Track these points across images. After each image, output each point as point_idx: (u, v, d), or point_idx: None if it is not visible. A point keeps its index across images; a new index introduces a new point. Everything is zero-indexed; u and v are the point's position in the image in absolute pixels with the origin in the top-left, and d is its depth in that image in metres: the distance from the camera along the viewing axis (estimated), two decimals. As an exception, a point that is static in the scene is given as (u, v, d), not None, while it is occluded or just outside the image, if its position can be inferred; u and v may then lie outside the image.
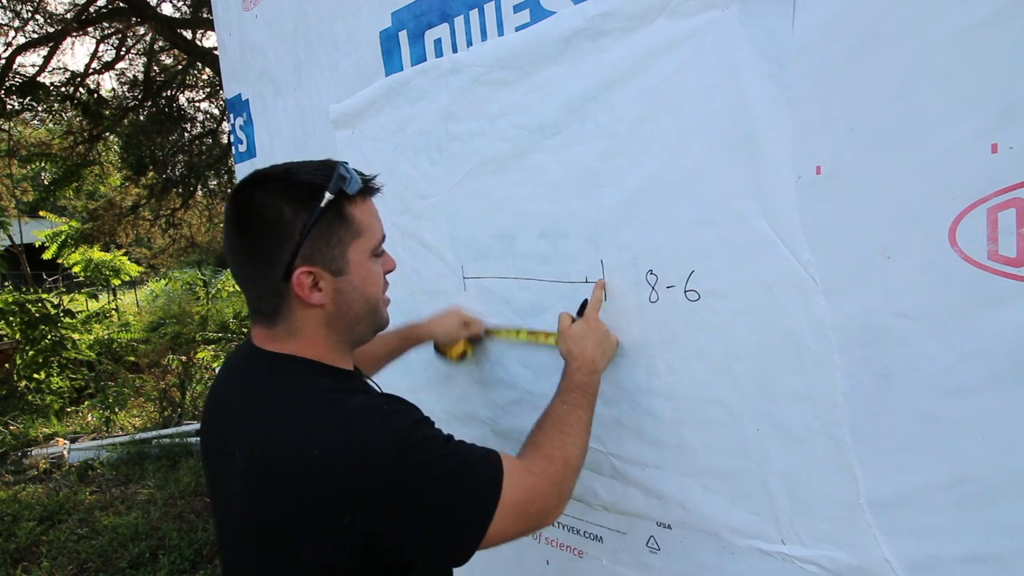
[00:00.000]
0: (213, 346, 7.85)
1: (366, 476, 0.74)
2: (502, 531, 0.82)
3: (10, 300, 7.01)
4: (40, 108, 7.29)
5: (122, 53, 7.55)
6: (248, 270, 0.86)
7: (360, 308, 0.88)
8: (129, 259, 10.46)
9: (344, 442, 0.76)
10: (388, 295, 0.95)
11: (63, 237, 9.66)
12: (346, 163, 0.86)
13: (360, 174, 0.87)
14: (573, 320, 1.15)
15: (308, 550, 0.77)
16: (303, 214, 0.80)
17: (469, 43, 1.27)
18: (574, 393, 1.04)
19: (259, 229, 0.83)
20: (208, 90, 8.04)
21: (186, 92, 8.12)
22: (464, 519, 0.80)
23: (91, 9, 6.38)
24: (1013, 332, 0.73)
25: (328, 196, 0.80)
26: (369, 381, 0.99)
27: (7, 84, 6.48)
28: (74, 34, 6.60)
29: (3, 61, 6.28)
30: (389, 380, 1.25)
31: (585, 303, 1.16)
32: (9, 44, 6.39)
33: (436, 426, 0.85)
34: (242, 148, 2.14)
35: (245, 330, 8.49)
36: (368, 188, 0.88)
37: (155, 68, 7.84)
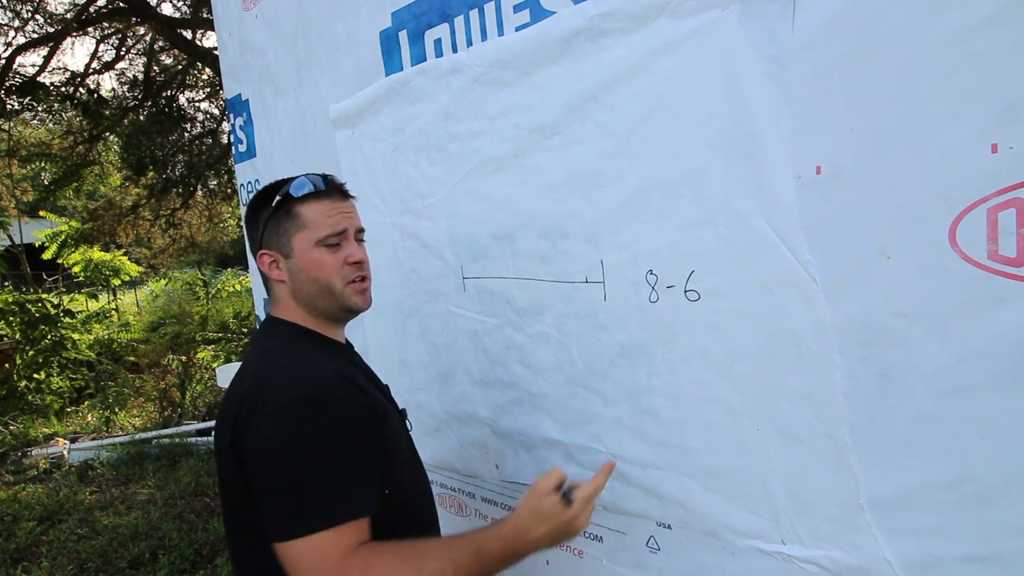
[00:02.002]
0: (213, 346, 7.85)
1: (255, 411, 0.91)
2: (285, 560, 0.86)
3: (10, 300, 7.01)
4: (40, 108, 7.29)
5: (122, 53, 7.54)
6: (250, 254, 1.16)
7: (311, 287, 1.05)
8: (129, 259, 10.46)
9: (261, 381, 0.95)
10: (360, 281, 1.08)
11: (63, 237, 9.66)
12: (313, 174, 1.07)
13: (324, 180, 1.06)
14: (557, 493, 0.93)
15: (234, 457, 0.95)
16: (264, 212, 1.07)
17: (469, 43, 1.27)
18: (468, 551, 0.88)
19: (247, 224, 1.14)
20: (208, 90, 8.04)
21: (186, 92, 8.12)
22: (274, 510, 0.88)
23: (91, 9, 6.38)
24: (1013, 332, 0.73)
25: (277, 198, 1.05)
26: (356, 359, 1.16)
27: (7, 84, 6.48)
28: (74, 34, 6.60)
29: (3, 61, 6.28)
30: (390, 380, 1.25)
31: (571, 489, 0.93)
32: (9, 44, 6.39)
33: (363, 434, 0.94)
34: (242, 148, 2.14)
35: (245, 330, 8.49)
36: (316, 192, 1.05)
37: (155, 68, 7.84)
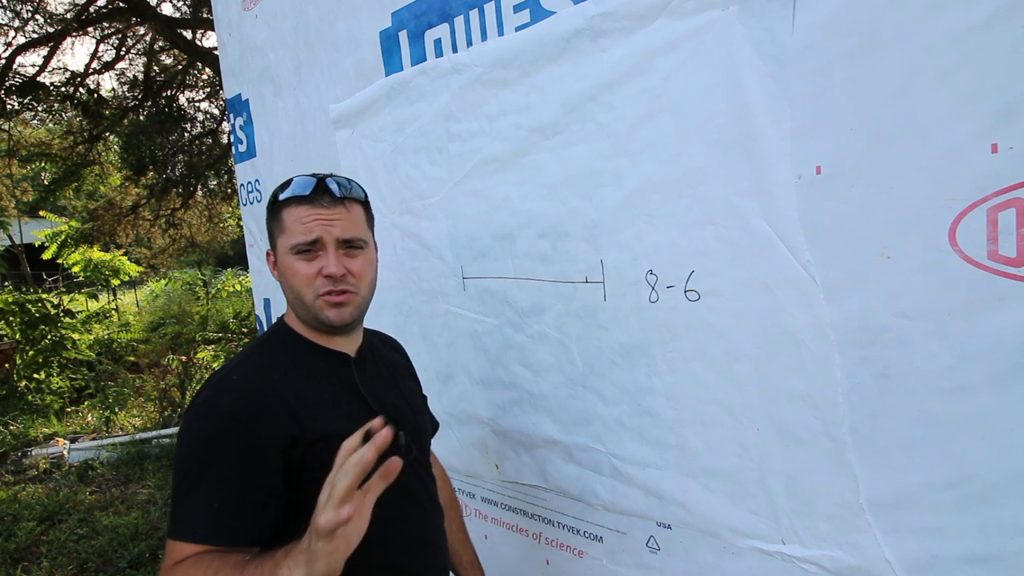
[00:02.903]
0: (213, 346, 7.85)
1: (191, 403, 0.97)
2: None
3: (10, 300, 7.01)
4: (40, 108, 7.29)
5: (122, 53, 7.54)
6: None
7: (288, 292, 1.04)
8: (129, 259, 10.47)
9: (208, 379, 1.01)
10: (338, 294, 1.01)
11: (63, 237, 9.66)
12: (309, 176, 1.02)
13: (311, 184, 1.02)
14: None
15: None
16: (267, 212, 1.08)
17: (469, 43, 1.27)
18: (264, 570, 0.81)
19: None
20: (208, 90, 8.03)
21: (186, 92, 8.11)
22: (175, 499, 0.92)
23: (91, 9, 6.37)
24: (1013, 332, 0.73)
25: (271, 199, 1.05)
26: (350, 373, 1.05)
27: (7, 84, 6.48)
28: (74, 34, 6.60)
29: (3, 61, 6.27)
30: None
31: None
32: (9, 44, 6.39)
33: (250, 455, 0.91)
34: (242, 148, 2.14)
35: (245, 330, 8.48)
36: (300, 196, 1.01)
37: (155, 68, 7.83)
